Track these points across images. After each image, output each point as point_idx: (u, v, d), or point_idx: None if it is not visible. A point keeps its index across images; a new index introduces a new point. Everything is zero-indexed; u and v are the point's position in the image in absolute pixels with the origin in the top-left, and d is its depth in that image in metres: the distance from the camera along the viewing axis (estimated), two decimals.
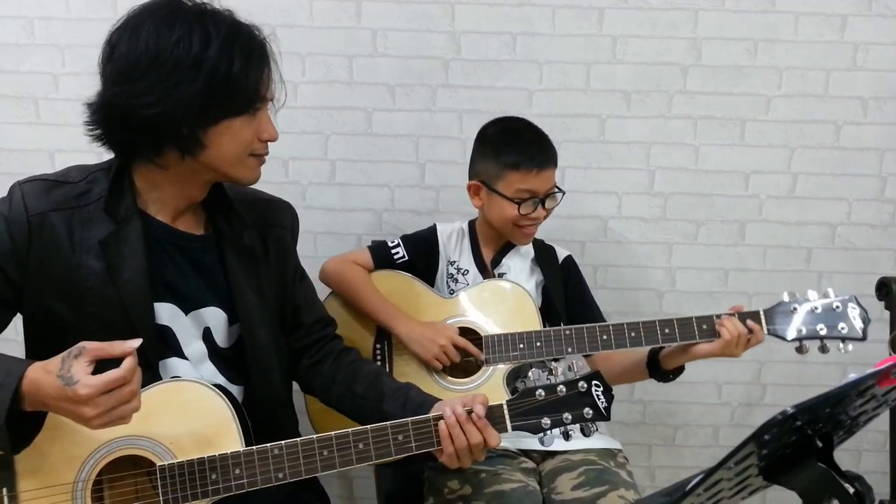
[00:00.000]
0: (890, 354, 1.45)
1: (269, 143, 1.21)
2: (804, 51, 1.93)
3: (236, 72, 1.10)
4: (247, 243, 1.29)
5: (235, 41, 1.11)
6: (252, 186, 1.35)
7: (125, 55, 1.09)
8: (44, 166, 1.95)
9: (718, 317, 1.42)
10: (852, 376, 0.77)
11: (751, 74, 1.94)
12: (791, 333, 1.41)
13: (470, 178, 1.64)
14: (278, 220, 1.36)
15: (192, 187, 1.21)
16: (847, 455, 2.13)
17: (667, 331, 1.43)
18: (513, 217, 1.56)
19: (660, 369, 1.51)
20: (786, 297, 1.43)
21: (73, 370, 0.98)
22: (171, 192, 1.20)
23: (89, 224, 1.15)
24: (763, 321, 1.42)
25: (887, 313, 1.50)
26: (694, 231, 2.03)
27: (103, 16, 1.89)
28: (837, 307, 1.39)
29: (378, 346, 1.61)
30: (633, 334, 1.44)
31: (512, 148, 1.56)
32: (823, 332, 1.39)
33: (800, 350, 1.41)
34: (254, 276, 1.29)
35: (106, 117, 1.12)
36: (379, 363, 1.58)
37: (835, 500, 0.79)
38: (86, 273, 1.14)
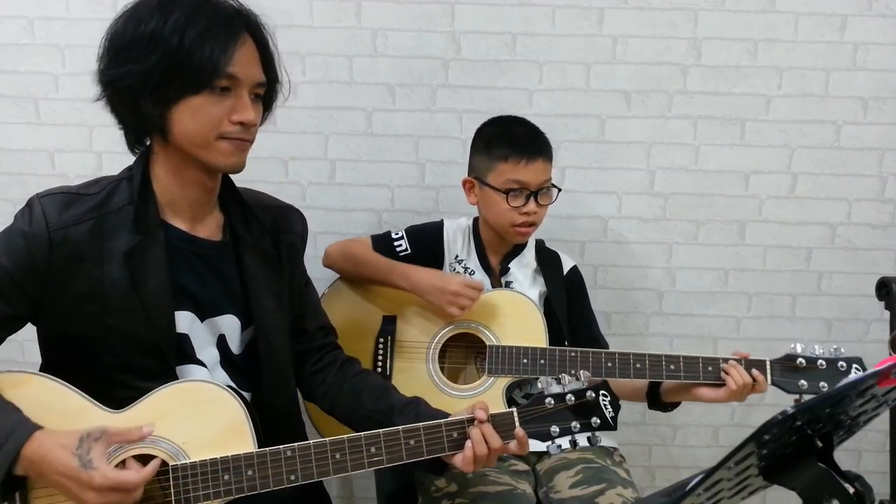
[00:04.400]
0: (890, 354, 1.45)
1: (252, 130, 1.15)
2: (804, 51, 1.93)
3: (188, 45, 1.06)
4: (266, 248, 1.29)
5: (196, 16, 1.08)
6: (261, 191, 1.35)
7: (109, 33, 1.12)
8: (44, 166, 1.95)
9: (725, 360, 1.43)
10: (852, 376, 0.77)
11: (751, 74, 1.94)
12: (793, 387, 1.41)
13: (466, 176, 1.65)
14: (290, 226, 1.36)
15: (192, 179, 1.18)
16: (847, 455, 2.13)
17: (672, 367, 1.45)
18: (504, 211, 1.56)
19: (659, 401, 1.52)
20: (797, 348, 1.43)
21: (93, 453, 0.99)
22: (179, 191, 1.19)
23: (113, 234, 1.14)
24: (769, 372, 1.42)
25: (887, 313, 1.50)
26: (694, 231, 2.03)
27: (103, 16, 1.86)
28: (842, 366, 1.39)
29: (381, 339, 1.60)
30: (637, 366, 1.46)
31: (503, 140, 1.57)
32: (825, 389, 1.39)
33: (798, 402, 1.41)
34: (273, 281, 1.29)
35: (99, 93, 1.15)
36: (381, 355, 1.58)
37: (835, 500, 0.79)
38: (108, 284, 1.13)
